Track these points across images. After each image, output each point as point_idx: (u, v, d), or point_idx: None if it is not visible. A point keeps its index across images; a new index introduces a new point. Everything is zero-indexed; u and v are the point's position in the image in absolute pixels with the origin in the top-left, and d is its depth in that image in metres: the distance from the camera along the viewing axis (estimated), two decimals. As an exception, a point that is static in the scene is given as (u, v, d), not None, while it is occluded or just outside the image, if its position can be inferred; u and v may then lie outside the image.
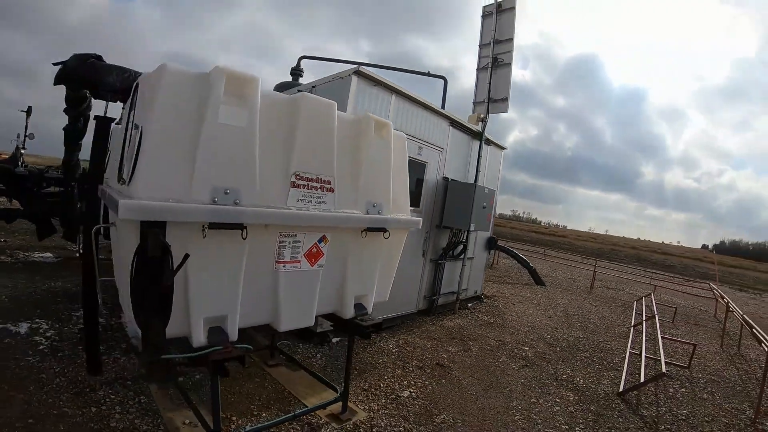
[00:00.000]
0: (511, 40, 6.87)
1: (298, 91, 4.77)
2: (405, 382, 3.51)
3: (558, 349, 5.14)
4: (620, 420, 3.33)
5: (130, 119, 2.10)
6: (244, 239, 1.84)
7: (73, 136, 5.66)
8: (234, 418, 2.62)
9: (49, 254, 6.24)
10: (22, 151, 6.06)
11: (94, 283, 2.67)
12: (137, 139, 1.73)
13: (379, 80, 4.38)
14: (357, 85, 4.15)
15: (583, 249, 31.03)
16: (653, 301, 7.94)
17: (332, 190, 2.22)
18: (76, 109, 4.89)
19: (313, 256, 2.21)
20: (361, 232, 2.44)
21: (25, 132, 6.30)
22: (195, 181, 1.70)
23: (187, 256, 1.68)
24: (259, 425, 2.48)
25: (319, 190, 2.16)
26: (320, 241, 2.23)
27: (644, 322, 6.19)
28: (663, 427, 3.30)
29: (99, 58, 2.80)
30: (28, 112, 6.26)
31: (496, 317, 6.32)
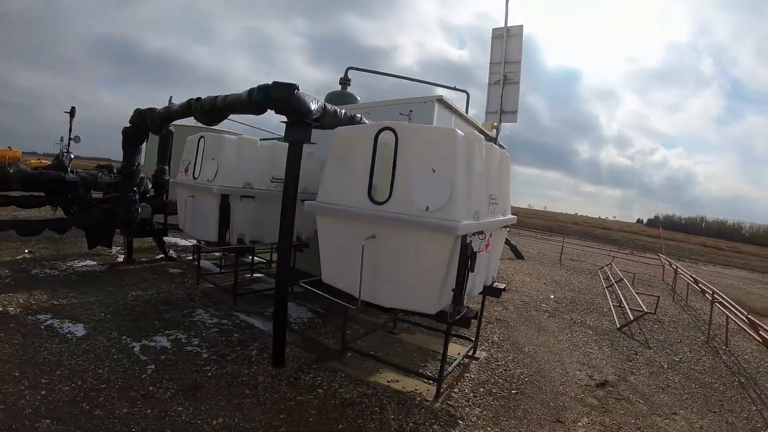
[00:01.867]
0: (519, 62, 8.26)
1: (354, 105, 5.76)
2: (489, 332, 4.93)
3: (564, 304, 6.89)
4: (626, 343, 5.06)
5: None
6: (482, 240, 3.05)
7: (135, 140, 5.88)
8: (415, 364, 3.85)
9: (91, 262, 6.17)
10: (72, 156, 5.72)
11: (287, 283, 3.51)
12: (439, 183, 2.79)
13: (449, 105, 5.55)
14: (438, 110, 5.30)
15: (534, 225, 34.74)
16: (615, 269, 10.19)
17: (497, 203, 3.47)
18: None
19: (486, 245, 3.47)
20: (502, 228, 3.73)
21: (70, 134, 5.97)
22: (469, 208, 2.86)
23: (474, 253, 2.86)
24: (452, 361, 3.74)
25: (495, 204, 3.39)
26: (489, 235, 3.48)
27: (614, 284, 8.25)
28: (652, 345, 5.11)
29: (297, 88, 3.50)
30: (72, 113, 5.90)
31: (509, 285, 7.98)
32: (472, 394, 3.47)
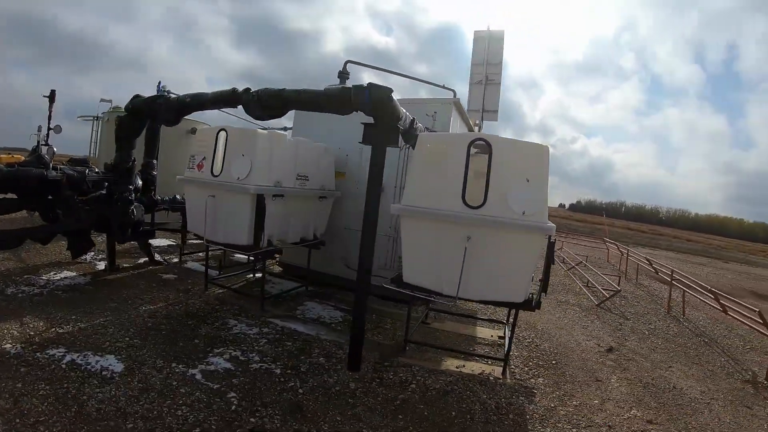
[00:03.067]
0: (499, 63, 9.24)
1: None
2: (502, 315, 5.80)
3: (544, 288, 8.23)
4: (608, 316, 6.43)
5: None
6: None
7: (132, 131, 5.44)
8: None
9: (69, 273, 5.57)
10: (54, 149, 4.86)
11: (367, 291, 3.80)
12: (534, 191, 3.37)
13: (460, 106, 6.21)
14: (454, 111, 5.91)
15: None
16: (569, 253, 12.13)
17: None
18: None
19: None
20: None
21: (49, 123, 5.09)
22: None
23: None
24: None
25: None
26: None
27: (575, 267, 9.97)
28: (629, 317, 6.55)
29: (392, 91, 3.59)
30: (52, 97, 4.92)
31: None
32: (527, 368, 4.26)
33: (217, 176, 4.92)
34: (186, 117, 5.55)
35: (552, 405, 3.57)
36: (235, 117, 9.60)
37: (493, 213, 3.46)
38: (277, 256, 6.88)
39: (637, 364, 4.63)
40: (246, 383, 3.34)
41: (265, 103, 3.99)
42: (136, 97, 5.25)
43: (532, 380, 4.01)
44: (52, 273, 5.43)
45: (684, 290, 7.09)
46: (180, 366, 3.47)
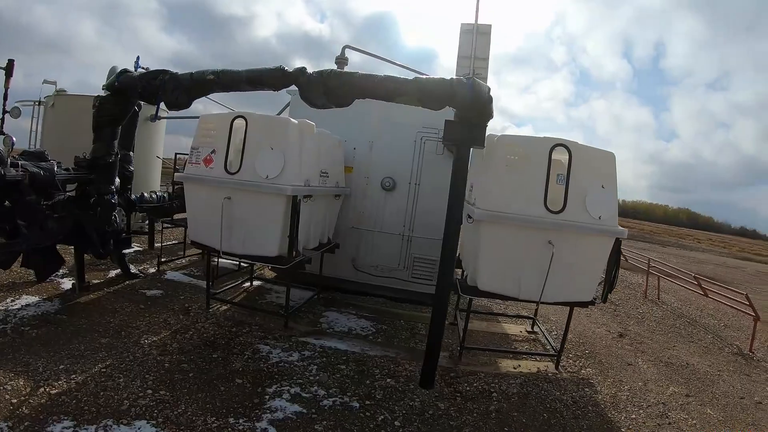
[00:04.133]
0: (486, 59, 9.82)
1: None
2: (519, 310, 6.56)
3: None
4: (601, 305, 7.65)
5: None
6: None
7: (115, 117, 4.85)
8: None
9: (31, 298, 4.83)
10: (13, 139, 3.87)
11: (445, 307, 3.99)
12: (608, 196, 3.92)
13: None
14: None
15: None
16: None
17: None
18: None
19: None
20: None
21: (4, 105, 4.07)
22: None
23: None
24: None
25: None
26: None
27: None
28: (618, 304, 7.86)
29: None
30: (9, 70, 3.93)
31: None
32: (570, 360, 4.99)
33: (234, 174, 4.59)
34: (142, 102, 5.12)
35: (612, 392, 4.32)
36: (218, 103, 8.68)
37: (574, 218, 3.98)
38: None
39: (648, 347, 5.74)
40: (332, 427, 3.18)
41: (331, 90, 3.81)
42: (124, 72, 4.58)
43: (582, 372, 4.74)
44: (8, 301, 4.56)
45: (659, 276, 8.77)
46: (241, 420, 3.11)
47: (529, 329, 5.86)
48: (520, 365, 4.72)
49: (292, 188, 4.48)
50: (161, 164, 8.92)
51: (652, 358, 5.35)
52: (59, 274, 5.49)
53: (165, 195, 6.63)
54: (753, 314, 5.72)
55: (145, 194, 6.07)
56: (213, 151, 4.71)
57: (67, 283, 5.41)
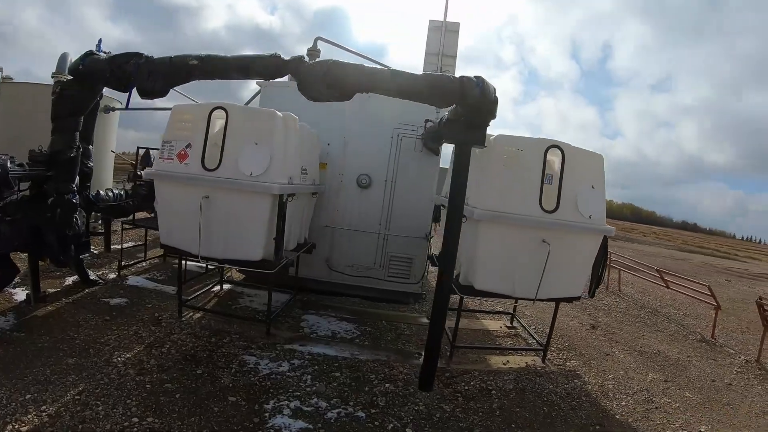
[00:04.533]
0: (454, 56, 10.02)
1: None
2: (492, 305, 6.85)
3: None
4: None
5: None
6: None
7: (78, 106, 4.54)
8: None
9: None
10: None
11: (445, 310, 4.01)
12: (598, 196, 4.19)
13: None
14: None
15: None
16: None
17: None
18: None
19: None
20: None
21: None
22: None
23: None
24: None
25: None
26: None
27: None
28: (583, 298, 8.42)
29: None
30: None
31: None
32: (554, 354, 5.29)
33: (213, 170, 4.35)
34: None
35: (599, 382, 4.67)
36: (182, 94, 8.07)
37: (567, 217, 4.22)
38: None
39: (620, 337, 6.25)
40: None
41: (334, 81, 3.69)
42: (90, 55, 4.22)
43: (567, 363, 5.06)
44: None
45: (619, 269, 9.49)
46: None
47: (509, 324, 6.13)
48: (509, 361, 4.95)
49: (279, 186, 4.35)
50: (113, 159, 8.27)
51: (626, 347, 5.83)
52: (10, 283, 4.97)
53: (122, 193, 6.14)
54: (714, 304, 6.41)
55: (101, 192, 5.60)
56: (188, 146, 4.44)
57: (20, 294, 4.99)
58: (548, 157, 4.23)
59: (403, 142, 6.40)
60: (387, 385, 4.10)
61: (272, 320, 5.02)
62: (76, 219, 4.77)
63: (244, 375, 3.92)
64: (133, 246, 8.01)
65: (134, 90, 4.24)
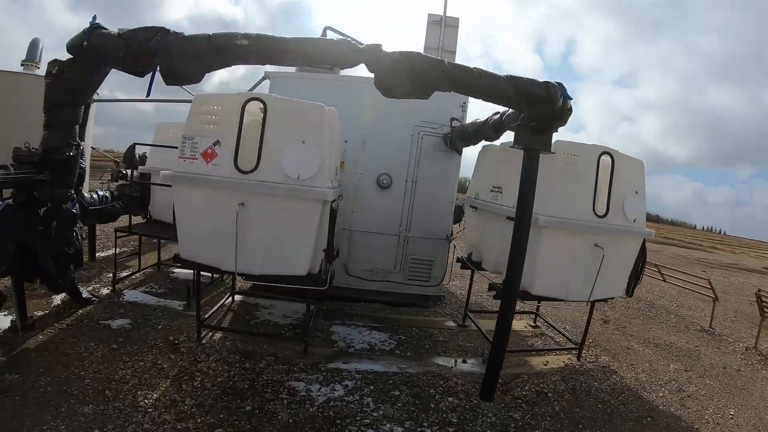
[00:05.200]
0: (454, 52, 10.21)
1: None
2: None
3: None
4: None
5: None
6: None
7: (80, 94, 4.22)
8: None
9: None
10: None
11: (510, 319, 4.36)
12: (641, 201, 4.70)
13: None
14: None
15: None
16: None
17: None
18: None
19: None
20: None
21: None
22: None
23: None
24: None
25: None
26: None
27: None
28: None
29: None
30: None
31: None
32: (585, 351, 5.86)
33: (248, 173, 4.13)
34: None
35: (633, 375, 5.27)
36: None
37: (616, 222, 4.70)
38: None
39: (631, 330, 7.01)
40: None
41: (417, 76, 3.64)
42: (97, 28, 3.83)
43: (599, 360, 5.63)
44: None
45: None
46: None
47: (533, 324, 6.63)
48: (548, 362, 5.41)
49: (333, 191, 4.33)
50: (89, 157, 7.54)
51: (640, 340, 6.58)
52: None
53: (107, 195, 5.73)
54: (713, 296, 7.39)
55: (86, 195, 5.21)
56: (216, 143, 4.18)
57: (3, 320, 4.49)
58: (600, 162, 4.67)
59: (424, 141, 6.58)
60: (450, 398, 4.29)
61: (306, 336, 4.97)
62: (76, 233, 4.40)
63: (301, 406, 3.82)
64: (119, 252, 7.46)
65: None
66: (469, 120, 6.41)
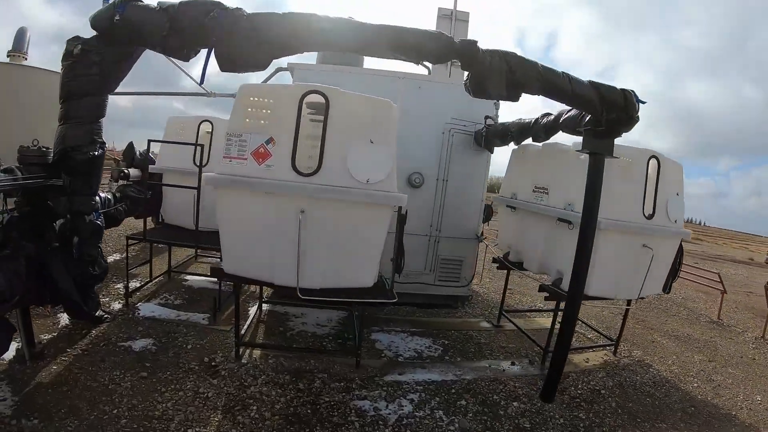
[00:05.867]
0: None
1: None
2: (534, 300, 7.95)
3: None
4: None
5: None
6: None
7: (104, 79, 3.96)
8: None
9: None
10: None
11: (574, 320, 4.72)
12: (682, 203, 5.33)
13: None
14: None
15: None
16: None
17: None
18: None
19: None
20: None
21: None
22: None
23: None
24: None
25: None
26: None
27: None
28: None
29: None
30: None
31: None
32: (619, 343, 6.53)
33: (309, 175, 4.09)
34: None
35: (666, 368, 5.99)
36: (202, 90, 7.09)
37: (661, 223, 5.31)
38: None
39: (650, 324, 7.81)
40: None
41: (514, 77, 3.66)
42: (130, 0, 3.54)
43: (632, 354, 6.32)
44: None
45: None
46: None
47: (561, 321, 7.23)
48: (588, 359, 6.01)
49: (406, 196, 4.35)
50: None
51: (661, 333, 7.37)
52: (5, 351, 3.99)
53: (110, 197, 5.64)
54: (722, 289, 8.35)
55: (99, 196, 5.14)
56: (270, 141, 4.07)
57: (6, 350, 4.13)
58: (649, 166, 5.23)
59: (455, 138, 6.92)
60: (515, 403, 4.68)
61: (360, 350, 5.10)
62: (100, 250, 4.24)
63: (374, 428, 3.89)
64: (119, 258, 7.31)
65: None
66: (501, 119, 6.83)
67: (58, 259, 3.87)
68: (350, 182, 4.11)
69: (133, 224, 7.83)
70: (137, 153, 6.80)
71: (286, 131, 4.08)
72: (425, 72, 8.60)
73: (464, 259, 7.20)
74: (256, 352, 5.00)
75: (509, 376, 5.29)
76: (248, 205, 4.17)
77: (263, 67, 3.77)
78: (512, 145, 6.54)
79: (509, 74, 3.66)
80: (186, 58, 3.74)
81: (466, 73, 3.91)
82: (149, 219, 6.64)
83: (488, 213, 7.15)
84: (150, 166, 6.55)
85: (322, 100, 4.10)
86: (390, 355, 5.46)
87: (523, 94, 3.94)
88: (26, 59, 6.34)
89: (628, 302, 5.99)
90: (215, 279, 6.92)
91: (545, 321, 7.24)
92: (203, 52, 3.75)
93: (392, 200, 4.27)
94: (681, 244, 5.76)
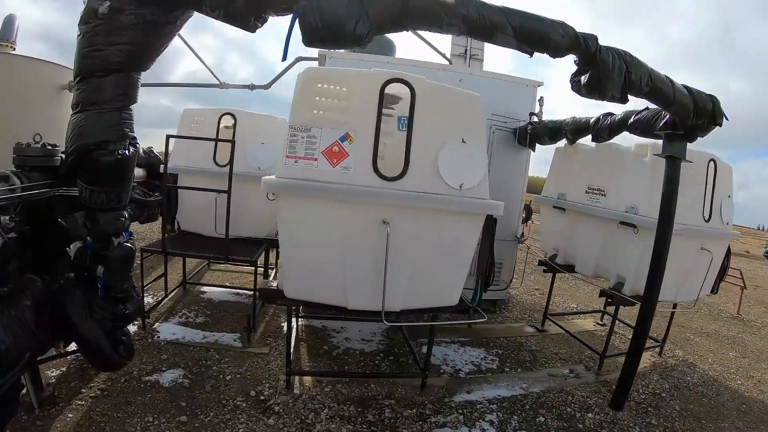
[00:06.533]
0: (481, 49, 10.68)
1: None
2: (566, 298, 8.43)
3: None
4: (588, 283, 10.29)
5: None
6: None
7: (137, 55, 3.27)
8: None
9: None
10: None
11: (648, 328, 5.11)
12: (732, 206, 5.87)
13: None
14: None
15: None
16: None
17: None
18: None
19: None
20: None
21: None
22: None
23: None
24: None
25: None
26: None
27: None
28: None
29: None
30: None
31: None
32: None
33: (393, 179, 3.88)
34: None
35: (709, 366, 6.62)
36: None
37: (717, 226, 5.83)
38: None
39: (679, 320, 8.44)
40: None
41: (634, 81, 3.74)
42: None
43: (675, 354, 6.92)
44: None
45: None
46: None
47: (599, 322, 7.75)
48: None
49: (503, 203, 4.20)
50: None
51: (693, 330, 8.09)
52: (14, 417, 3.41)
53: None
54: (742, 285, 9.21)
55: None
56: (345, 138, 3.74)
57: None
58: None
59: (495, 135, 7.16)
60: (589, 414, 4.97)
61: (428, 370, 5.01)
62: (131, 279, 3.65)
63: None
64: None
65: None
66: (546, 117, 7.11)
67: (77, 297, 3.15)
68: (441, 188, 3.92)
69: (138, 230, 7.51)
70: (141, 151, 6.49)
71: (365, 126, 3.76)
72: (445, 62, 8.76)
73: (503, 262, 7.48)
74: (307, 379, 4.78)
75: (572, 384, 5.63)
76: (320, 215, 3.86)
77: (364, 44, 3.08)
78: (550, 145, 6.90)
79: (627, 75, 3.71)
80: (252, 28, 3.05)
81: (553, 67, 4.01)
82: (158, 225, 6.32)
83: (529, 213, 7.47)
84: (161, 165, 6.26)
85: (407, 91, 3.82)
86: (449, 371, 5.56)
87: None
88: (14, 49, 5.93)
89: (674, 305, 6.52)
90: (237, 291, 6.95)
91: (585, 323, 7.76)
92: (272, 21, 3.16)
93: (489, 208, 4.15)
94: (729, 245, 6.34)
